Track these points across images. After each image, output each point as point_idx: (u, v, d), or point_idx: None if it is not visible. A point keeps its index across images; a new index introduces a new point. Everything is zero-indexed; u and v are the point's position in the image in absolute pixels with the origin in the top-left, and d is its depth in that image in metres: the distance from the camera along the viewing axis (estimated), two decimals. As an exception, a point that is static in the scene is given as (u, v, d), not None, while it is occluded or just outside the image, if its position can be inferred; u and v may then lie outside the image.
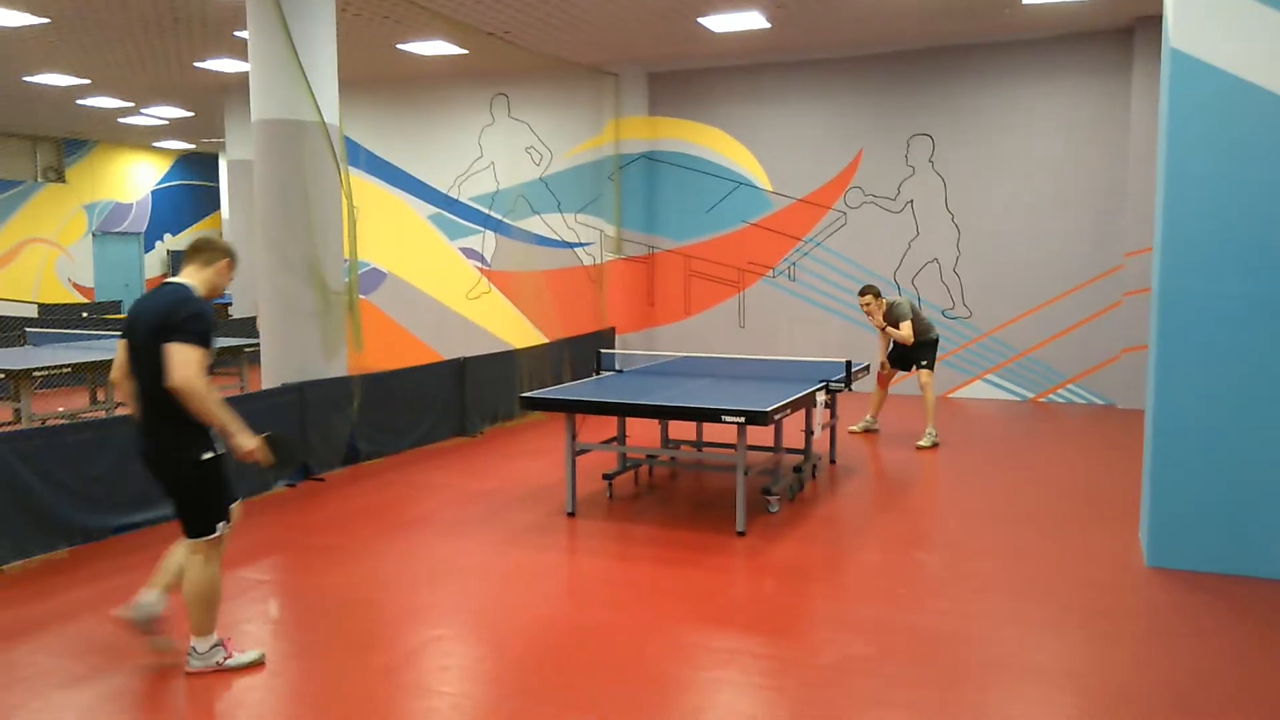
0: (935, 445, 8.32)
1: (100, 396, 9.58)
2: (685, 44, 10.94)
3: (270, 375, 7.53)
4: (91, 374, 9.11)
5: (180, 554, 3.93)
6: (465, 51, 11.46)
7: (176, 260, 21.16)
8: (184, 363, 3.62)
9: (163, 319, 3.67)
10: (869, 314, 8.47)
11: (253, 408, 6.83)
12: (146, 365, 3.72)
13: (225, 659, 3.93)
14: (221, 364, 10.54)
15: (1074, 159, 10.50)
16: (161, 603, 3.95)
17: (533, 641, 4.33)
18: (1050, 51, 10.49)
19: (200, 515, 3.83)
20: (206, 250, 3.92)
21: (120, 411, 8.16)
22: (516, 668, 4.07)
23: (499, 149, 13.19)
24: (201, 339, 3.69)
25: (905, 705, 3.67)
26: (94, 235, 19.69)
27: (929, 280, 11.14)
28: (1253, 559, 5.02)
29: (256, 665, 3.98)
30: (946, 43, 10.77)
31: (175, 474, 3.81)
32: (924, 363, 8.43)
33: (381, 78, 13.32)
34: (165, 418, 3.73)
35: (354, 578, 5.15)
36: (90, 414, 8.97)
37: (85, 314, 16.89)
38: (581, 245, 12.83)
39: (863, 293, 8.42)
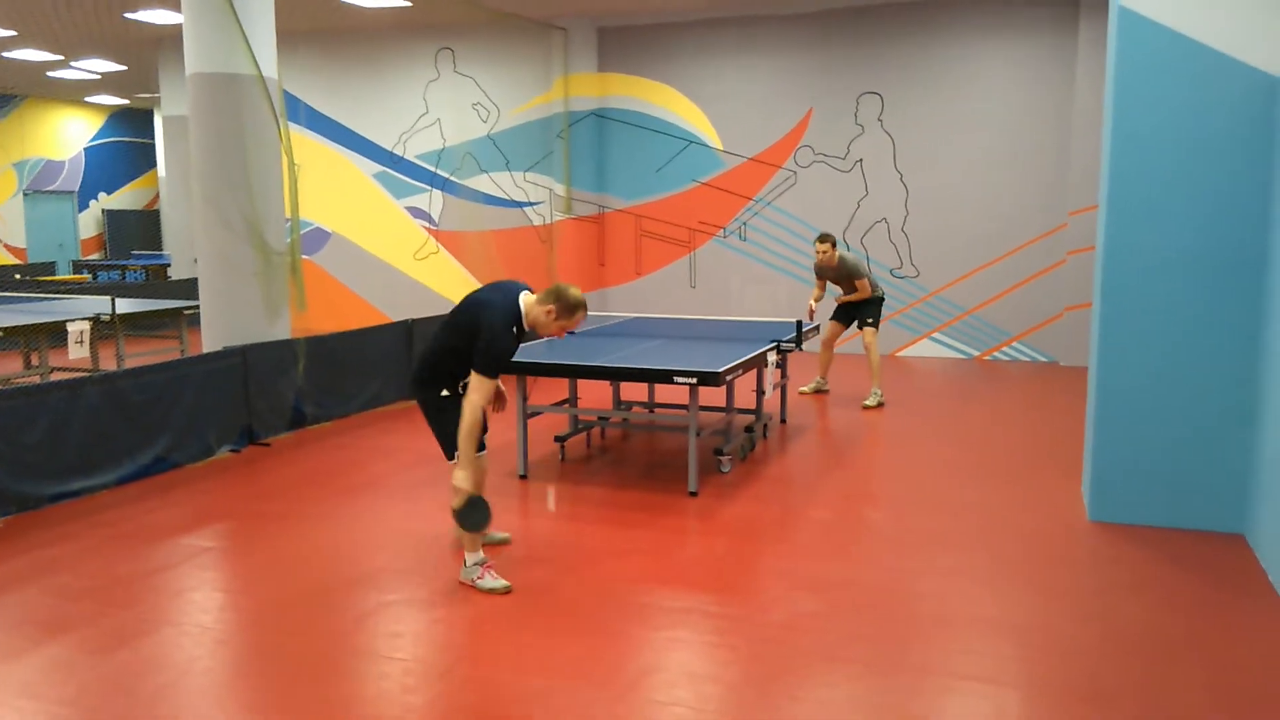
0: (880, 405, 8.39)
1: (34, 361, 9.28)
2: (634, -1, 10.78)
3: (211, 338, 7.34)
4: (25, 338, 8.81)
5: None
6: (409, 3, 11.18)
7: (112, 220, 20.55)
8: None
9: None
10: (823, 262, 8.35)
11: (194, 371, 6.69)
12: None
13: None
14: (161, 326, 10.31)
15: (1021, 118, 10.57)
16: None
17: (484, 605, 4.31)
18: (999, 9, 10.51)
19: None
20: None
21: (55, 377, 7.92)
22: (468, 632, 4.05)
23: (445, 105, 12.93)
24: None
25: (854, 660, 3.71)
26: (25, 194, 19.01)
27: (877, 239, 11.19)
28: (1192, 512, 5.15)
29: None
30: None
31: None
32: (870, 321, 8.45)
33: (322, 30, 12.96)
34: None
35: (302, 543, 5.08)
36: (25, 379, 8.70)
37: (18, 275, 16.35)
38: (531, 205, 12.68)
39: (822, 239, 8.35)
